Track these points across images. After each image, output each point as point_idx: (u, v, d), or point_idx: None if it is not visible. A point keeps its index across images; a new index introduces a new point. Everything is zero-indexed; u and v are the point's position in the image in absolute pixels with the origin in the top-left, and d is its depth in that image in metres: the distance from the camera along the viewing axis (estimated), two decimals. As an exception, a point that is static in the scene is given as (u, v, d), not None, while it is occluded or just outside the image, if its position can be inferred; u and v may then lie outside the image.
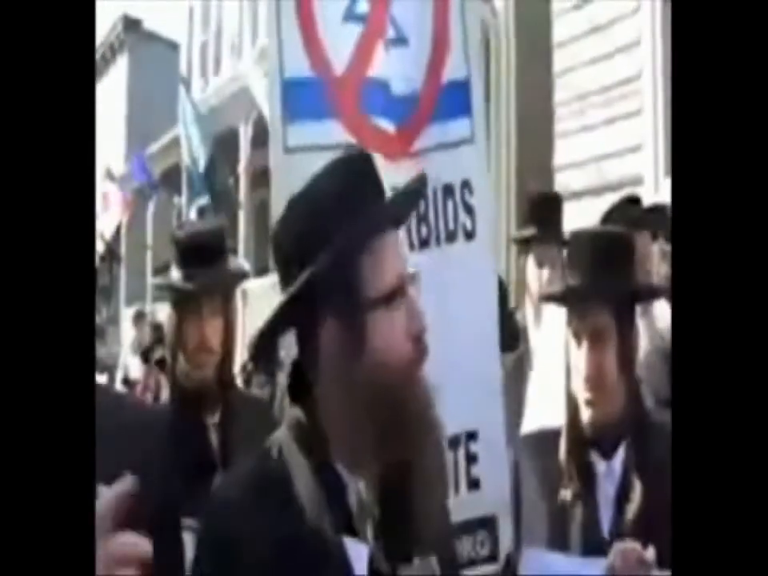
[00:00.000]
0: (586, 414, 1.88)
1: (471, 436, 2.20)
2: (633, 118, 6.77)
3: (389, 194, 1.38)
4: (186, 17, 19.78)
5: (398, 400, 1.27)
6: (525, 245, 3.35)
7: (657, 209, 3.11)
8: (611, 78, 7.00)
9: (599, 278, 1.88)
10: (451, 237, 2.25)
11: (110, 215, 17.50)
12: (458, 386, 2.01)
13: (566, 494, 1.86)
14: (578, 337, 1.88)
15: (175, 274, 2.47)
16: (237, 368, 4.24)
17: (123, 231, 19.34)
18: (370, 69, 2.17)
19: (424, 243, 2.23)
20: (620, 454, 1.86)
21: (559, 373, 1.96)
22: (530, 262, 3.29)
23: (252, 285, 12.34)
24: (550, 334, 2.65)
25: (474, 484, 2.24)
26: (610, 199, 6.97)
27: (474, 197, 2.27)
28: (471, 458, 2.20)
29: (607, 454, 1.87)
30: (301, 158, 2.04)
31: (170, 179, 17.13)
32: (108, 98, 23.54)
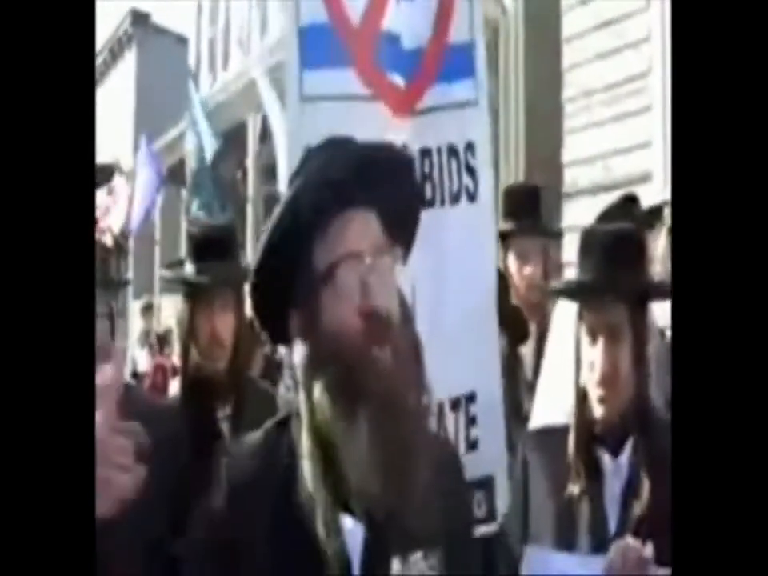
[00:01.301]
0: (597, 411, 1.88)
1: (471, 398, 2.21)
2: (642, 115, 6.75)
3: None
4: (194, 11, 19.78)
5: (357, 378, 1.27)
6: (504, 239, 3.32)
7: (654, 209, 3.09)
8: (620, 75, 6.98)
9: (614, 274, 1.88)
10: (455, 198, 2.26)
11: (117, 209, 17.51)
12: (457, 348, 2.02)
13: (573, 489, 1.86)
14: (592, 333, 1.88)
15: (188, 268, 2.51)
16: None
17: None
18: (383, 21, 2.17)
19: (429, 203, 2.23)
20: (627, 450, 1.86)
21: (570, 368, 1.95)
22: (511, 257, 3.28)
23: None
24: (562, 329, 2.64)
25: (472, 445, 2.25)
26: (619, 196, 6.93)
27: (476, 159, 2.29)
28: (471, 420, 2.22)
29: (614, 451, 1.87)
30: (316, 107, 2.03)
31: (178, 174, 17.13)
32: (116, 92, 23.55)
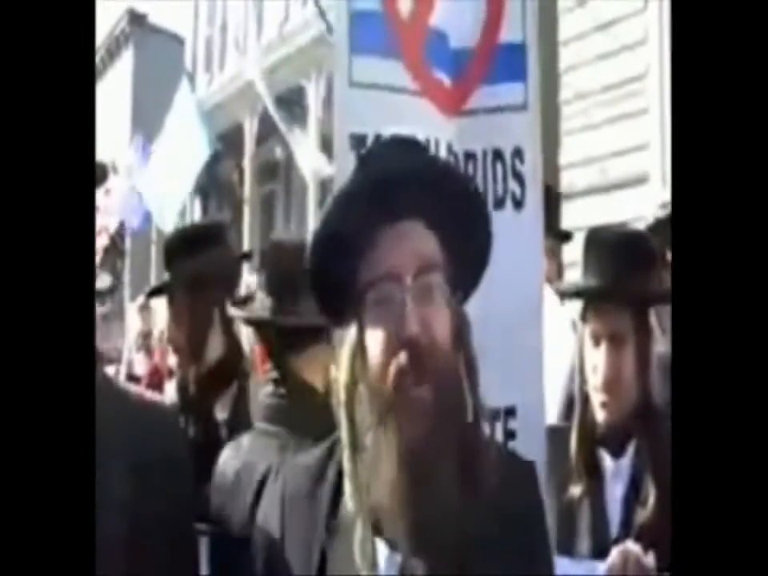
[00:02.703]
0: (600, 415, 1.87)
1: (510, 412, 2.08)
2: (639, 117, 6.76)
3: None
4: (191, 11, 19.77)
5: (393, 408, 1.22)
6: None
7: None
8: (617, 77, 6.98)
9: (621, 279, 1.86)
10: (499, 204, 2.17)
11: (114, 209, 17.45)
12: (499, 359, 1.93)
13: (575, 490, 1.85)
14: (596, 337, 1.87)
15: (166, 273, 2.50)
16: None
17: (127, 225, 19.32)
18: (431, 18, 2.12)
19: None
20: (629, 453, 1.86)
21: (560, 370, 1.94)
22: None
23: (256, 281, 12.33)
24: (551, 330, 2.63)
25: None
26: (616, 197, 6.95)
27: (524, 166, 2.20)
28: (509, 435, 2.09)
29: (616, 453, 1.87)
30: (364, 95, 1.98)
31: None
32: (113, 91, 23.52)
